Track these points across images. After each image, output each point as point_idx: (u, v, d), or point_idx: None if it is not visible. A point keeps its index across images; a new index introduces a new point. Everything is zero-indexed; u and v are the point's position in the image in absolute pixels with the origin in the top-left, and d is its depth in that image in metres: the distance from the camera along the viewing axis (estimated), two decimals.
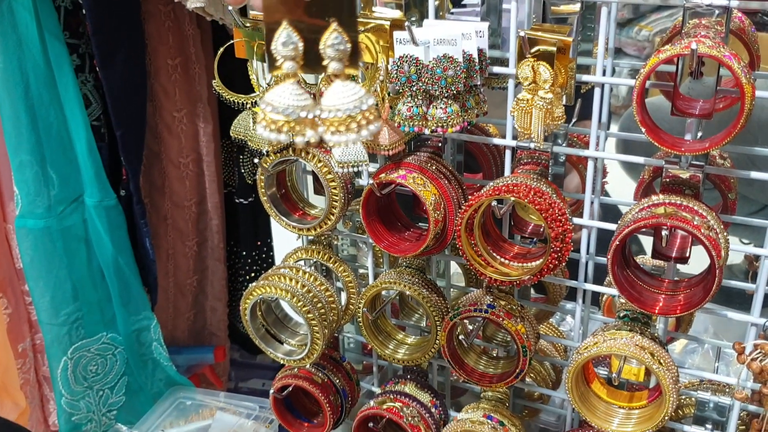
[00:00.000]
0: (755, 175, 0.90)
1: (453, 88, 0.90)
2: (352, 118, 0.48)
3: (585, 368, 1.03)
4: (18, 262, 1.34)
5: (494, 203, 0.97)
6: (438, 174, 1.02)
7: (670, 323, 1.10)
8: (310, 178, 1.21)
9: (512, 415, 1.14)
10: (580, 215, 1.01)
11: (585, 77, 0.93)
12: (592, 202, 1.00)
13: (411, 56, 0.90)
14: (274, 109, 0.48)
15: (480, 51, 0.91)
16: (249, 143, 1.12)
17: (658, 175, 1.13)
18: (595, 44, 1.01)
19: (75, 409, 1.42)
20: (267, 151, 1.08)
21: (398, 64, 0.91)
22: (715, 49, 0.79)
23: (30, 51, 1.19)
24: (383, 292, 1.16)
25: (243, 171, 1.49)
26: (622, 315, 1.01)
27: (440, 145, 1.08)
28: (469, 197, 0.94)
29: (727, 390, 1.09)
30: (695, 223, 0.84)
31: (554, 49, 0.88)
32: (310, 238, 1.21)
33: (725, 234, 0.89)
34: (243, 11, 1.06)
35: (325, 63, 0.48)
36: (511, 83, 0.96)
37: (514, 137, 0.99)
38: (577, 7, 0.92)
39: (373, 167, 1.08)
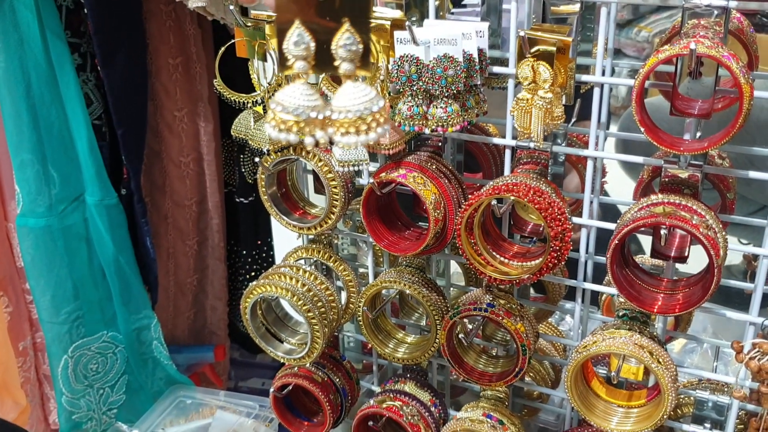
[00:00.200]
0: (753, 174, 0.91)
1: (453, 88, 0.90)
2: (362, 119, 0.48)
3: (584, 367, 1.03)
4: (19, 261, 1.34)
5: (494, 202, 0.97)
6: (438, 173, 1.02)
7: (668, 322, 1.11)
8: (310, 177, 1.21)
9: (512, 414, 1.14)
10: (580, 215, 1.01)
11: (584, 77, 0.94)
12: (591, 202, 1.01)
13: (411, 56, 0.90)
14: (284, 108, 0.48)
15: (480, 51, 0.92)
16: (250, 142, 1.13)
17: (657, 174, 1.13)
18: (595, 44, 1.01)
19: (75, 407, 1.42)
20: (267, 150, 1.08)
21: (399, 63, 0.91)
22: (714, 49, 0.79)
23: (31, 50, 1.20)
24: (383, 291, 1.16)
25: (243, 170, 1.49)
26: (621, 314, 1.02)
27: (440, 144, 1.08)
28: (469, 196, 0.95)
29: (726, 389, 1.10)
30: (694, 222, 0.84)
31: (554, 49, 0.88)
32: (311, 237, 1.21)
33: (724, 233, 0.90)
34: (244, 11, 1.06)
35: (336, 63, 0.48)
36: (511, 83, 0.97)
37: (514, 137, 0.99)
38: (576, 7, 0.92)
39: (373, 166, 1.09)
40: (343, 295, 1.21)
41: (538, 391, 1.29)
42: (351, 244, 1.45)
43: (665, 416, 0.95)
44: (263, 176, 1.13)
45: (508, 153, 1.02)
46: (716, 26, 0.85)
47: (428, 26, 0.95)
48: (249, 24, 1.03)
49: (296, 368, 1.23)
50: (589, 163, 0.99)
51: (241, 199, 1.57)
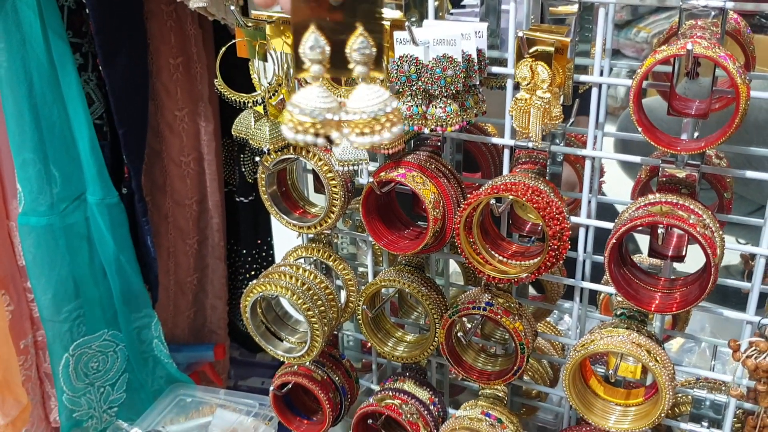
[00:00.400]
0: (750, 174, 0.91)
1: (452, 88, 0.91)
2: (377, 120, 0.49)
3: (582, 366, 1.04)
4: (20, 260, 1.35)
5: (493, 202, 0.98)
6: (437, 173, 1.03)
7: (666, 321, 1.11)
8: (310, 177, 1.22)
9: (510, 413, 1.15)
10: (578, 214, 1.02)
11: (583, 77, 0.94)
12: (589, 201, 1.01)
13: (411, 56, 0.91)
14: (302, 111, 0.49)
15: (479, 51, 0.92)
16: (250, 142, 1.13)
17: (655, 174, 1.14)
18: (593, 45, 1.02)
19: (76, 405, 1.43)
20: (268, 150, 1.09)
21: (398, 63, 0.92)
22: (711, 49, 0.80)
23: (33, 50, 1.20)
24: (382, 290, 1.17)
25: (244, 170, 1.50)
26: (619, 313, 1.02)
27: (439, 144, 1.09)
28: (468, 196, 0.95)
29: (723, 388, 1.10)
30: (691, 221, 0.85)
31: (552, 49, 0.89)
32: (310, 236, 1.22)
33: (721, 233, 0.90)
34: (244, 11, 1.07)
35: (351, 66, 0.49)
36: (509, 83, 0.97)
37: (513, 136, 1.00)
38: (575, 8, 0.93)
39: (372, 166, 1.09)
40: (343, 293, 1.22)
41: (536, 389, 1.30)
42: (350, 243, 1.45)
43: (663, 414, 0.96)
44: (263, 175, 1.13)
45: (506, 153, 1.02)
46: (713, 27, 0.85)
47: (427, 27, 0.95)
48: (249, 24, 1.04)
49: (296, 367, 1.23)
50: (587, 163, 0.99)
51: (241, 199, 1.58)
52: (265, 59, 1.04)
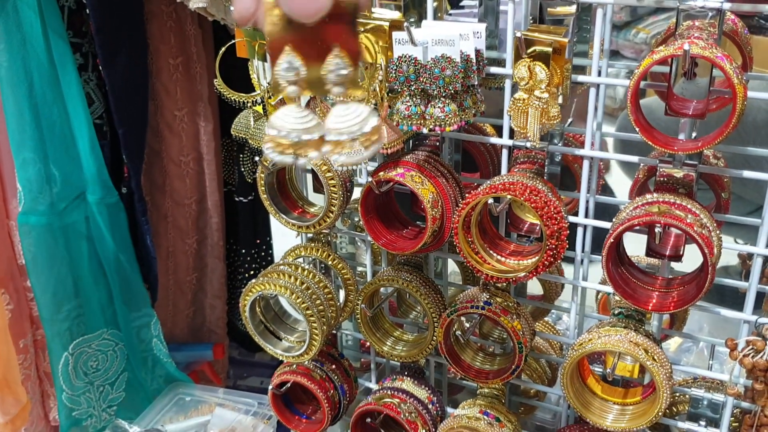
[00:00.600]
0: (747, 174, 0.92)
1: (451, 88, 0.91)
2: (356, 140, 0.49)
3: (580, 365, 1.04)
4: (20, 259, 1.35)
5: (491, 201, 0.98)
6: (436, 172, 1.03)
7: (664, 321, 1.12)
8: (309, 176, 1.22)
9: (508, 412, 1.15)
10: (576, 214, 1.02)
11: (580, 77, 0.95)
12: (587, 201, 1.02)
13: (410, 56, 0.91)
14: (279, 132, 0.49)
15: (477, 51, 0.93)
16: (249, 142, 1.14)
17: (653, 174, 1.14)
18: (591, 45, 1.02)
19: (75, 404, 1.43)
20: None
21: (397, 63, 0.92)
22: (708, 50, 0.80)
23: (34, 50, 1.21)
24: (381, 290, 1.17)
25: (243, 169, 1.50)
26: (616, 312, 1.03)
27: (438, 143, 1.09)
28: (467, 195, 0.96)
29: (721, 387, 1.10)
30: (688, 221, 0.85)
31: (550, 49, 0.89)
32: (309, 235, 1.22)
33: (718, 232, 0.91)
34: None
35: (327, 87, 0.49)
36: (507, 83, 0.98)
37: (511, 136, 1.00)
38: (573, 8, 0.93)
39: (371, 165, 1.10)
40: (342, 293, 1.22)
41: (534, 388, 1.30)
42: (349, 242, 1.46)
43: (660, 413, 0.96)
44: (262, 175, 1.14)
45: (505, 152, 1.03)
46: (711, 27, 0.86)
47: (426, 27, 0.96)
48: (249, 24, 1.04)
49: (295, 366, 1.24)
50: (585, 163, 1.00)
51: (241, 198, 1.58)
52: (264, 59, 1.04)
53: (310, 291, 1.13)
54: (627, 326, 0.99)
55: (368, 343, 1.21)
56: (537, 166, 1.00)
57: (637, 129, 0.86)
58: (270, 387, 1.26)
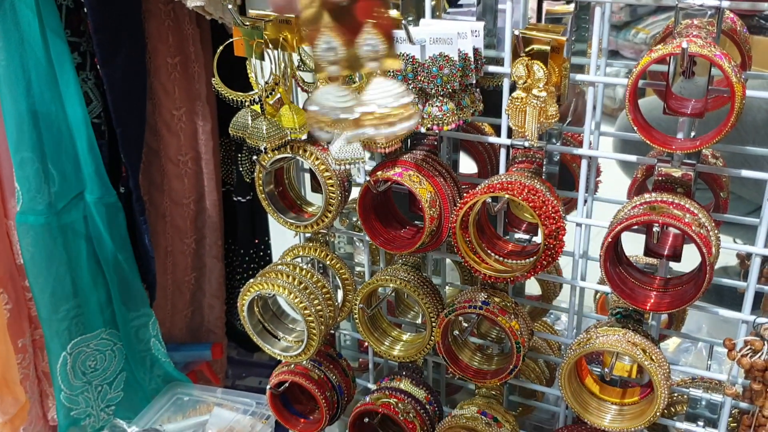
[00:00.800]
0: (746, 173, 0.92)
1: (449, 87, 0.91)
2: (391, 113, 0.50)
3: (578, 365, 1.04)
4: (18, 258, 1.35)
5: (489, 201, 0.98)
6: (434, 172, 1.03)
7: (662, 321, 1.12)
8: (307, 176, 1.22)
9: (506, 412, 1.15)
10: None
11: (579, 76, 0.95)
12: (585, 201, 1.02)
13: (408, 55, 0.91)
14: (320, 109, 0.51)
15: (475, 50, 0.93)
16: (247, 141, 1.13)
17: (651, 173, 1.14)
18: (590, 44, 1.02)
19: (74, 404, 1.43)
20: (265, 149, 1.09)
21: None
22: (706, 48, 0.80)
23: (32, 49, 1.21)
24: (379, 289, 1.17)
25: (241, 169, 1.49)
26: (615, 312, 1.03)
27: (436, 143, 1.09)
28: (464, 195, 0.95)
29: (719, 387, 1.10)
30: (686, 220, 0.85)
31: (548, 48, 0.89)
32: (307, 235, 1.22)
33: (717, 232, 0.90)
34: (242, 10, 1.07)
35: (363, 63, 0.50)
36: (506, 82, 0.97)
37: (509, 135, 1.00)
38: (571, 7, 0.93)
39: (369, 165, 1.09)
40: (340, 293, 1.22)
41: (532, 388, 1.30)
42: (347, 242, 1.45)
43: (658, 413, 0.96)
44: (261, 175, 1.13)
45: (503, 152, 1.02)
46: (709, 26, 0.86)
47: (424, 25, 0.96)
48: (247, 23, 1.04)
49: (293, 366, 1.23)
50: (584, 162, 1.00)
51: (239, 198, 1.58)
52: (262, 58, 1.04)
53: (308, 291, 1.13)
54: (625, 326, 0.99)
55: (366, 343, 1.21)
56: (535, 165, 0.99)
57: (635, 128, 0.86)
58: (268, 387, 1.26)
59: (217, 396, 1.46)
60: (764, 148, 1.05)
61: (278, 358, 1.20)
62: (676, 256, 0.97)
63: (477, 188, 0.95)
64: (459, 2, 1.04)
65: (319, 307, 1.13)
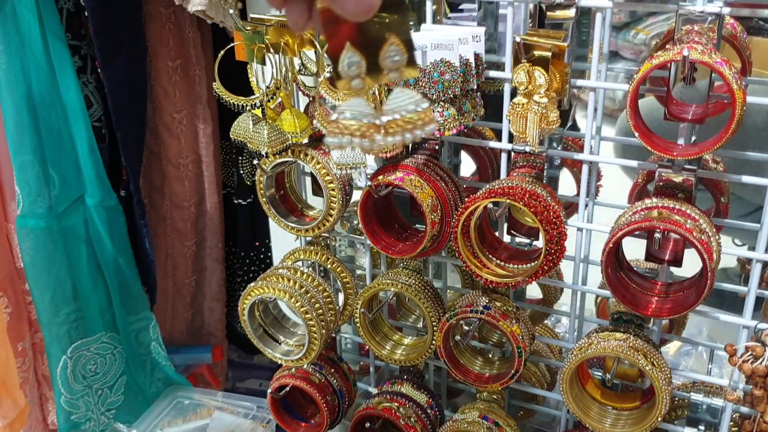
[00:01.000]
0: (746, 179, 0.92)
1: (450, 92, 0.91)
2: (413, 118, 0.52)
3: (579, 369, 1.04)
4: (19, 262, 1.35)
5: (490, 206, 0.98)
6: (435, 176, 1.03)
7: (663, 325, 1.12)
8: (308, 180, 1.22)
9: (507, 416, 1.15)
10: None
11: (579, 82, 0.95)
12: (586, 205, 1.02)
13: None
14: (349, 116, 0.52)
15: (476, 55, 0.93)
16: (248, 145, 1.13)
17: (652, 178, 1.14)
18: (590, 49, 1.02)
19: (74, 408, 1.42)
20: (266, 153, 1.09)
21: None
22: (707, 55, 0.80)
23: (32, 52, 1.20)
24: (380, 293, 1.17)
25: (242, 172, 1.49)
26: (616, 317, 1.03)
27: (437, 147, 1.09)
28: (466, 199, 0.95)
29: (720, 392, 1.10)
30: (687, 226, 0.85)
31: (549, 54, 0.89)
32: (308, 239, 1.22)
33: (717, 237, 0.90)
34: (243, 14, 1.07)
35: (385, 74, 0.52)
36: (507, 87, 0.97)
37: (510, 140, 1.00)
38: (572, 12, 0.93)
39: (370, 169, 1.09)
40: (341, 296, 1.22)
41: (533, 392, 1.30)
42: (348, 246, 1.45)
43: (659, 418, 0.96)
44: (261, 178, 1.13)
45: (504, 157, 1.02)
46: (710, 32, 0.86)
47: (425, 31, 0.96)
48: (248, 28, 1.04)
49: (294, 369, 1.23)
50: (584, 167, 1.00)
51: (240, 201, 1.58)
52: (263, 62, 1.04)
53: (309, 295, 1.13)
54: (626, 331, 0.99)
55: (367, 347, 1.21)
56: (536, 170, 0.99)
57: (636, 134, 0.86)
58: (269, 390, 1.26)
59: (218, 399, 1.46)
60: (764, 153, 1.05)
61: (279, 362, 1.20)
62: (677, 261, 0.97)
63: (478, 193, 0.95)
64: (460, 7, 1.04)
65: (320, 311, 1.13)
